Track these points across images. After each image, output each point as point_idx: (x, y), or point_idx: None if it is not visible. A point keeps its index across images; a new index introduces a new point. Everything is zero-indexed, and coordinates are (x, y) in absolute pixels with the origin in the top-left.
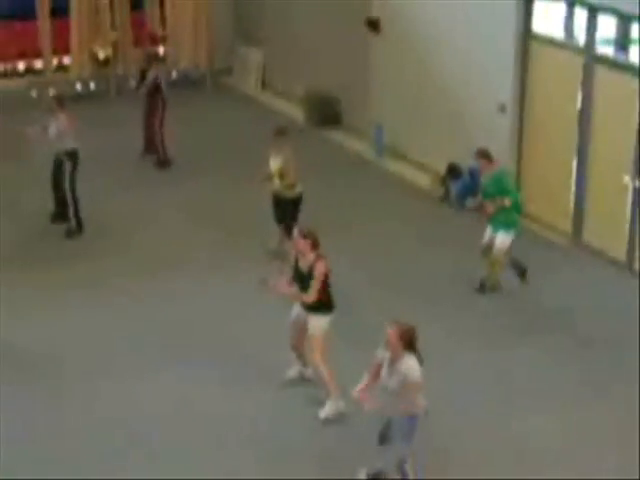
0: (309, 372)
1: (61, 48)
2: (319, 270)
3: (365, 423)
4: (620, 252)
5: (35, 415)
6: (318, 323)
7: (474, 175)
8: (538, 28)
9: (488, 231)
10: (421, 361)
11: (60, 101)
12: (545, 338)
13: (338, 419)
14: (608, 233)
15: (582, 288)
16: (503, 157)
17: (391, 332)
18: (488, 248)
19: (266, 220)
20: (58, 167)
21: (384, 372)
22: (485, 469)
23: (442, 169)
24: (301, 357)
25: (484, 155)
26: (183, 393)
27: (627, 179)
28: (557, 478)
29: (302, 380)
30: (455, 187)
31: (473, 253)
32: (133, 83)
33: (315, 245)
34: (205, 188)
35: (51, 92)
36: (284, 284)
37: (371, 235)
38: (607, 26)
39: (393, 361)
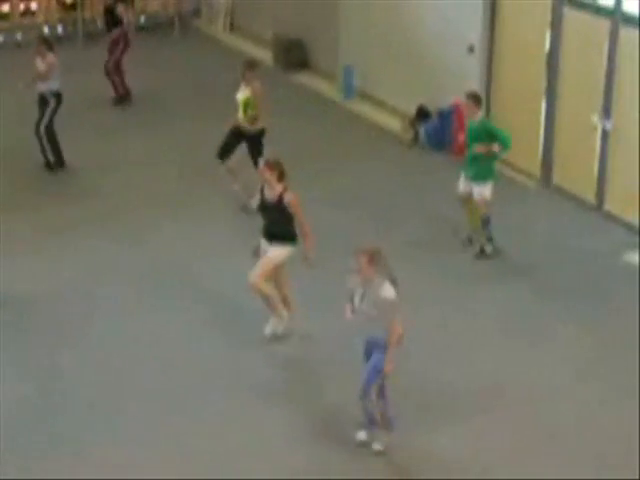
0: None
1: None
2: (289, 200)
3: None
4: (590, 193)
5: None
6: (279, 252)
7: (443, 117)
8: None
9: (462, 179)
10: (394, 281)
11: (48, 43)
12: (514, 282)
13: (285, 334)
14: (577, 175)
15: (553, 231)
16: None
17: (359, 257)
18: (466, 197)
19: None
20: (43, 107)
21: (356, 300)
22: (457, 405)
23: (411, 111)
24: (267, 301)
25: (474, 98)
26: (168, 333)
27: (596, 119)
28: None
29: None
30: (424, 129)
31: (442, 194)
32: (100, 25)
33: (282, 176)
34: (173, 130)
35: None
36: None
37: (340, 176)
38: None
39: (365, 286)
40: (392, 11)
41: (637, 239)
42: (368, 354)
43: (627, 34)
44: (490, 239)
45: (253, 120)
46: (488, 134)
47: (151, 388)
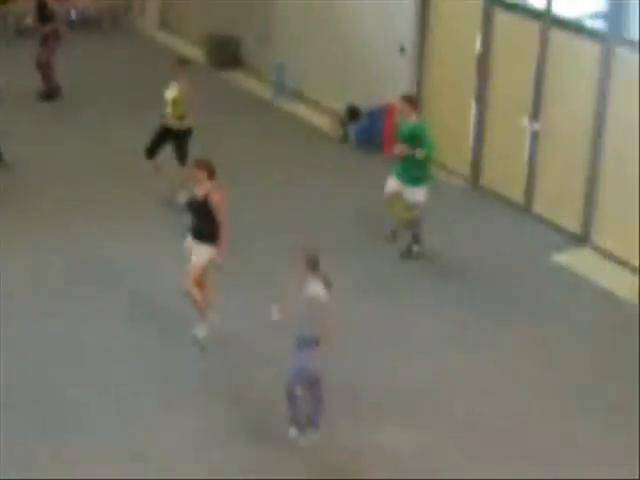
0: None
1: None
2: (216, 199)
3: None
4: (518, 195)
5: None
6: (205, 251)
7: (373, 117)
8: None
9: (392, 179)
10: (329, 286)
11: None
12: (443, 282)
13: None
14: (506, 176)
15: (481, 232)
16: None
17: (299, 261)
18: (394, 197)
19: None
20: None
21: (288, 300)
22: (393, 405)
23: (342, 111)
24: (201, 306)
25: (409, 100)
26: (92, 331)
27: (525, 121)
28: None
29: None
30: (354, 129)
31: (371, 194)
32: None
33: (211, 175)
34: (102, 127)
35: None
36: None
37: (270, 176)
38: None
39: (300, 287)
40: (325, 10)
41: (564, 240)
42: (296, 352)
43: (556, 36)
44: (417, 240)
45: (180, 118)
46: (417, 138)
47: (82, 383)
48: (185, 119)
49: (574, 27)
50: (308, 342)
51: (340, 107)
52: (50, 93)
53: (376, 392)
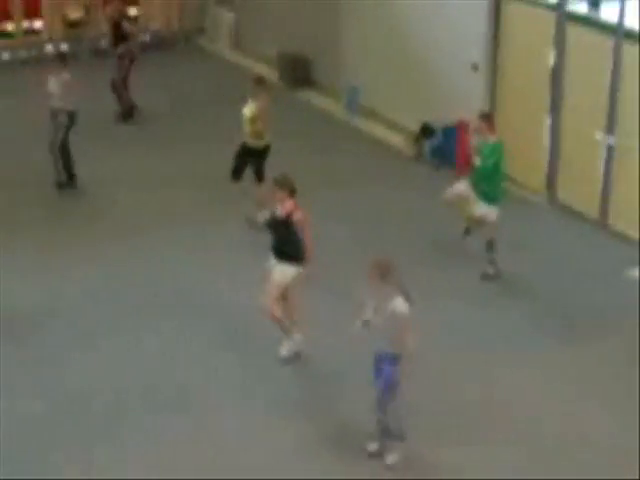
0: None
1: (32, 11)
2: (298, 218)
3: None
4: (593, 209)
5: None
6: (287, 272)
7: (447, 134)
8: None
9: (465, 185)
10: (410, 300)
11: (63, 58)
12: (518, 300)
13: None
14: (581, 191)
15: (556, 248)
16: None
17: (372, 270)
18: (458, 199)
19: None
20: (55, 124)
21: (368, 314)
22: (466, 422)
23: (415, 128)
24: (279, 322)
25: (487, 118)
26: (179, 352)
27: (599, 136)
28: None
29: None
30: (428, 146)
31: (446, 212)
32: (105, 43)
33: (292, 193)
34: (180, 149)
35: (53, 49)
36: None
37: (345, 193)
38: None
39: (378, 300)
40: (396, 28)
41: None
42: (377, 369)
43: (630, 50)
44: (493, 261)
45: (258, 135)
46: (498, 156)
47: (164, 405)
48: (263, 137)
49: None
50: (388, 358)
51: (414, 125)
52: (126, 114)
53: (441, 408)
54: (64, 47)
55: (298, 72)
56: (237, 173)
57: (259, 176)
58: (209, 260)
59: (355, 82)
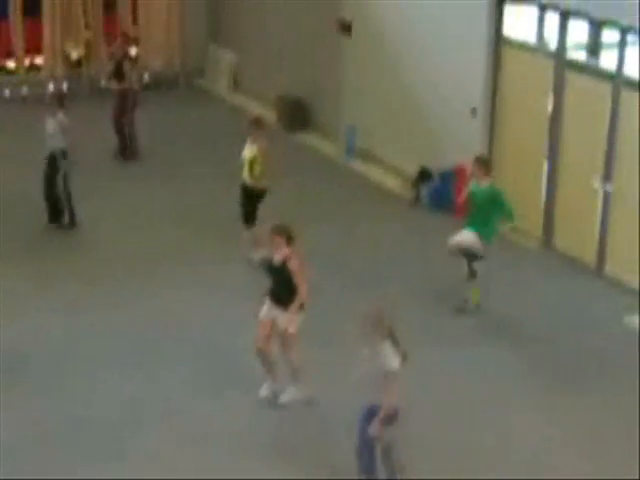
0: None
1: (33, 48)
2: (293, 265)
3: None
4: (590, 256)
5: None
6: (284, 316)
7: (445, 179)
8: (509, 32)
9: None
10: (403, 355)
11: (60, 99)
12: (512, 347)
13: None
14: (578, 238)
15: (552, 294)
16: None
17: (365, 321)
18: (460, 250)
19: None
20: (52, 165)
21: (363, 364)
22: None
23: (413, 172)
24: (268, 365)
25: (482, 162)
26: (166, 393)
27: (597, 182)
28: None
29: (274, 399)
30: (426, 190)
31: (444, 255)
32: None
33: (290, 240)
34: (180, 189)
35: (51, 89)
36: None
37: (342, 237)
38: (578, 31)
39: (373, 347)
40: (395, 72)
41: (637, 303)
42: (362, 421)
43: (628, 97)
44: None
45: (258, 178)
46: (494, 202)
47: (150, 447)
48: (262, 179)
49: None
50: (377, 412)
51: (411, 168)
52: (125, 151)
53: (440, 456)
54: (63, 87)
55: (296, 114)
56: (250, 218)
57: (248, 218)
58: (205, 300)
59: (353, 125)
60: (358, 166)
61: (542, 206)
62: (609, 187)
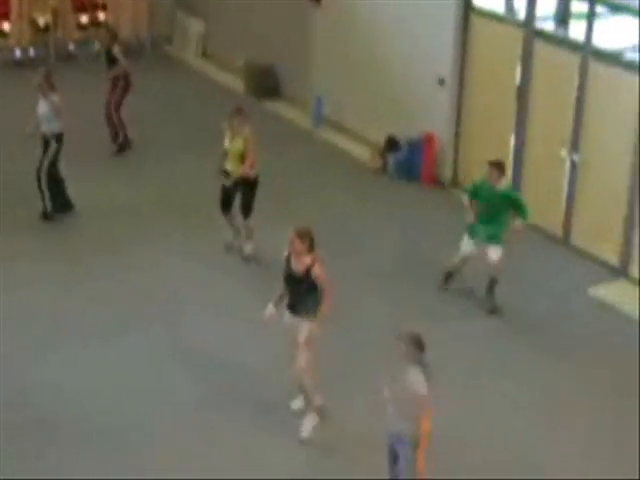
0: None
1: (1, 14)
2: (318, 274)
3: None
4: (557, 227)
5: None
6: (312, 329)
7: (413, 148)
8: (478, 2)
9: (469, 241)
10: (428, 375)
11: (51, 81)
12: (474, 316)
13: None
14: (545, 207)
15: (517, 264)
16: (441, 131)
17: (401, 342)
18: (465, 261)
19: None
20: (45, 149)
21: (390, 385)
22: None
23: (381, 141)
24: (312, 395)
25: (498, 166)
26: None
27: (564, 153)
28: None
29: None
30: (393, 159)
31: (413, 224)
32: (72, 49)
33: (312, 247)
34: (149, 161)
35: (40, 71)
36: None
37: (309, 206)
38: (547, 1)
39: (401, 372)
40: (363, 41)
41: (603, 273)
42: (392, 452)
43: (596, 68)
44: (494, 309)
45: (250, 168)
46: (510, 203)
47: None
48: (254, 168)
49: (614, 59)
50: (402, 440)
51: (379, 138)
52: (122, 147)
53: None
54: (51, 68)
55: (265, 82)
56: (227, 206)
57: (246, 210)
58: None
59: (322, 93)
60: (326, 135)
61: (509, 176)
62: (576, 157)
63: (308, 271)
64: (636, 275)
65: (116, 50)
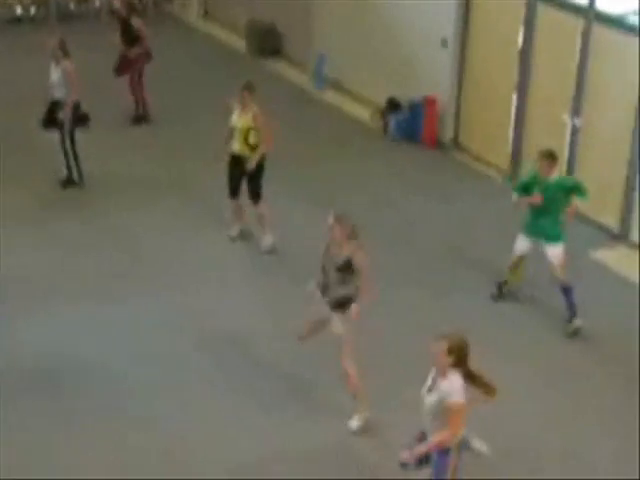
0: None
1: None
2: (361, 262)
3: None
4: None
5: None
6: (348, 322)
7: (414, 109)
8: None
9: (524, 238)
10: (489, 390)
11: (65, 48)
12: (474, 277)
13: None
14: None
15: (517, 227)
16: (443, 92)
17: (439, 346)
18: (522, 259)
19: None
20: (50, 113)
21: (425, 386)
22: None
23: (382, 102)
24: (361, 392)
25: (550, 157)
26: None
27: (566, 117)
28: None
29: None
30: (394, 121)
31: (414, 187)
32: (72, 7)
33: (353, 234)
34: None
35: (55, 37)
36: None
37: (308, 167)
38: None
39: (437, 376)
40: (366, 2)
41: (605, 237)
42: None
43: (600, 33)
44: (575, 311)
45: (254, 148)
46: (566, 190)
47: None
48: (258, 149)
49: (617, 23)
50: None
51: (380, 99)
52: (140, 118)
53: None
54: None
55: (267, 41)
56: (236, 190)
57: (255, 194)
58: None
59: (324, 54)
60: (327, 95)
61: (510, 139)
62: (578, 122)
63: (349, 260)
64: (636, 240)
65: (136, 23)
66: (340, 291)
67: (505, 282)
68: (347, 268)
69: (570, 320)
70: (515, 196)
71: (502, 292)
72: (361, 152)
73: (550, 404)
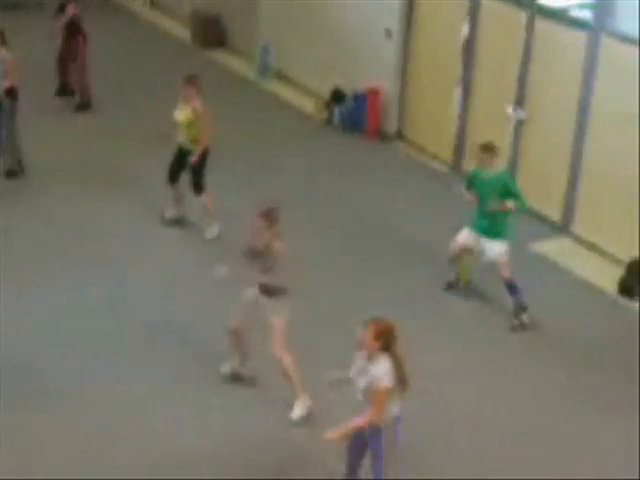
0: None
1: None
2: (278, 250)
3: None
4: None
5: None
6: (283, 308)
7: (358, 100)
8: None
9: (467, 232)
10: (403, 382)
11: (2, 36)
12: (419, 267)
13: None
14: None
15: (461, 219)
16: (388, 83)
17: (366, 328)
18: (464, 251)
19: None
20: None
21: (355, 370)
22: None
23: (327, 93)
24: (238, 346)
25: (489, 150)
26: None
27: (509, 109)
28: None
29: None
30: (339, 111)
31: (359, 177)
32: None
33: (271, 225)
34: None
35: None
36: None
37: (252, 157)
38: None
39: (366, 362)
40: None
41: (546, 229)
42: (356, 444)
43: (542, 26)
44: (524, 307)
45: (196, 141)
46: (504, 188)
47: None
48: (201, 142)
49: (560, 17)
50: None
51: (325, 90)
52: (86, 105)
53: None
54: None
55: (211, 31)
56: (174, 177)
57: (198, 187)
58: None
59: (268, 44)
60: (272, 86)
61: (454, 130)
62: (521, 114)
63: (268, 248)
64: (578, 232)
65: (70, 10)
66: (263, 278)
67: (457, 279)
68: (265, 255)
69: (516, 315)
70: (463, 189)
71: (456, 284)
72: (305, 143)
73: (479, 388)
